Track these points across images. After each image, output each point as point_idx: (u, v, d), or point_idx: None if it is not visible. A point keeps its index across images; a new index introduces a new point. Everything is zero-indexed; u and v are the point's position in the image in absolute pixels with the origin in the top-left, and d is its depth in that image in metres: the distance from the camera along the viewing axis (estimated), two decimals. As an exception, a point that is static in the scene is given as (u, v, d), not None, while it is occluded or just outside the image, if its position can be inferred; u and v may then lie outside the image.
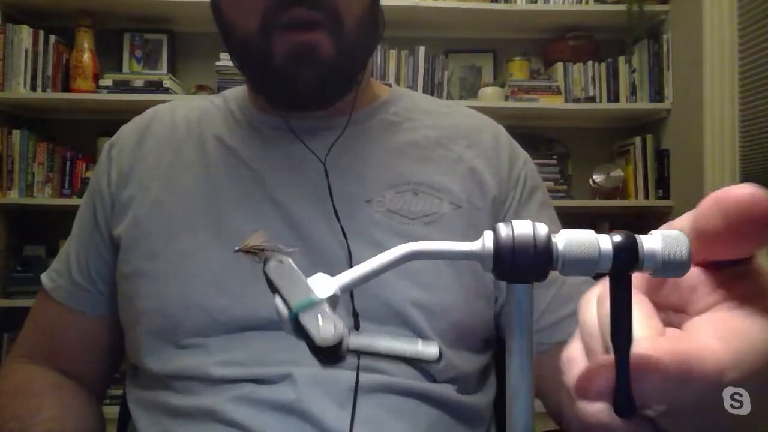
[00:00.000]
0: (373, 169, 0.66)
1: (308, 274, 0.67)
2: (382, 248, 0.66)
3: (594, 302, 0.28)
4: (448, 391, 0.61)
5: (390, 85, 0.78)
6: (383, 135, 0.70)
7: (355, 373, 0.56)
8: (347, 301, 0.58)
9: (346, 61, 0.63)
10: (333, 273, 0.64)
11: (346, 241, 0.60)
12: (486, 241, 0.25)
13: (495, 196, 0.68)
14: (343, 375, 0.56)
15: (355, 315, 0.58)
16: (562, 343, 0.64)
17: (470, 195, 0.66)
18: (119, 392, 0.72)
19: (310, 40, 0.60)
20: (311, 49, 0.60)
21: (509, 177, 0.70)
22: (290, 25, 0.59)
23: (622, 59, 2.53)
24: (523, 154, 0.74)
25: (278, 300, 0.24)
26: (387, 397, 0.58)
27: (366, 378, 0.57)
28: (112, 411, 0.72)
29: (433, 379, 0.61)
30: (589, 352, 0.27)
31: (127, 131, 0.74)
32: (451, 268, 0.63)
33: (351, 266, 0.57)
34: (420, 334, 0.60)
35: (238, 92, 0.75)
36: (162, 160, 0.69)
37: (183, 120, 0.72)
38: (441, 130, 0.71)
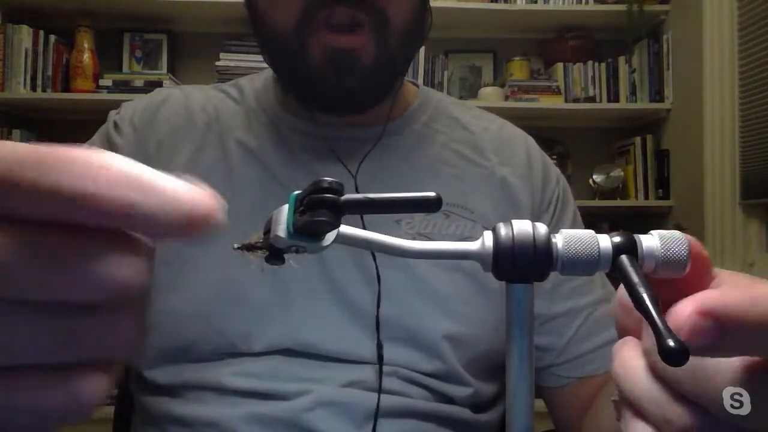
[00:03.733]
0: (402, 187, 0.60)
1: (331, 296, 0.62)
2: (412, 272, 0.62)
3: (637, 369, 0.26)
4: (465, 413, 0.60)
5: (417, 85, 0.74)
6: (413, 150, 0.66)
7: (375, 396, 0.55)
8: (373, 332, 0.57)
9: (388, 64, 0.58)
10: (358, 295, 0.60)
11: (375, 264, 0.57)
12: (486, 241, 0.25)
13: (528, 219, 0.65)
14: (362, 396, 0.55)
15: (379, 347, 0.56)
16: (585, 379, 0.63)
17: (503, 217, 0.63)
18: (114, 392, 0.72)
19: (351, 44, 0.55)
20: (352, 55, 0.55)
21: (542, 199, 0.68)
22: (329, 26, 0.55)
23: (622, 59, 2.52)
24: (555, 171, 0.71)
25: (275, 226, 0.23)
26: (407, 422, 0.56)
27: (386, 400, 0.55)
28: (107, 411, 0.71)
29: (452, 401, 0.59)
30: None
31: (139, 110, 0.68)
32: (485, 298, 0.61)
33: (379, 288, 0.57)
34: (447, 365, 0.58)
35: (256, 84, 0.70)
36: (178, 151, 0.64)
37: (200, 111, 0.67)
38: (472, 143, 0.69)
